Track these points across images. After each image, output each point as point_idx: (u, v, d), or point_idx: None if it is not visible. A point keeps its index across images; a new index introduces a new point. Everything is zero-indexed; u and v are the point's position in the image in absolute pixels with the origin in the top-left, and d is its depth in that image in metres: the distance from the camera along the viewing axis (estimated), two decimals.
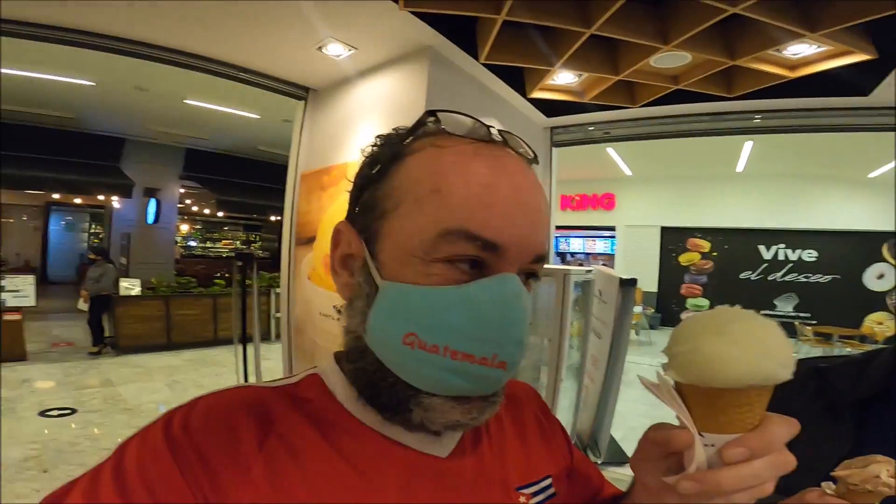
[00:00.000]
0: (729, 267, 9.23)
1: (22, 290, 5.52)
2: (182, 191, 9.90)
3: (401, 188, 0.44)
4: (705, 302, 9.36)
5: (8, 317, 5.28)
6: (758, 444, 0.36)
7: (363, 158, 0.49)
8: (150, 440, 0.39)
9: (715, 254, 9.42)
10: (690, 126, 3.83)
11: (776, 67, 2.70)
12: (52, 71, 5.13)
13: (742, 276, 9.13)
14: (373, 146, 0.49)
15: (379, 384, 0.44)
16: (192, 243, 13.69)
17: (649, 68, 2.87)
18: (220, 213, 12.68)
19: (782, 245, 8.90)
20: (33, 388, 4.52)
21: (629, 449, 3.60)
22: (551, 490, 0.56)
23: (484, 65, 2.83)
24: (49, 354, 5.73)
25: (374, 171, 0.47)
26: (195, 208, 12.90)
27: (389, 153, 0.46)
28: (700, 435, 0.37)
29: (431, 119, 0.46)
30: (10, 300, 5.38)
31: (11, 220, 11.40)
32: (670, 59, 2.73)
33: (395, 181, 0.45)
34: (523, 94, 3.41)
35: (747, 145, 6.80)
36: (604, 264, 10.14)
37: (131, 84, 5.53)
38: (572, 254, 11.44)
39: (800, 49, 2.52)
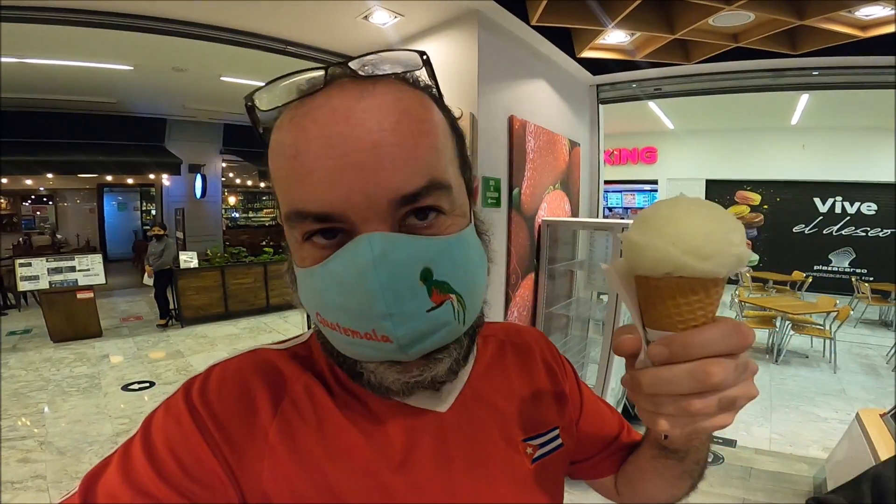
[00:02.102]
0: (781, 220, 8.81)
1: (92, 269, 5.78)
2: (224, 165, 10.13)
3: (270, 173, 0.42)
4: (755, 256, 9.02)
5: (81, 295, 5.61)
6: (678, 346, 0.32)
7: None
8: (172, 410, 0.41)
9: (766, 207, 8.98)
10: (749, 82, 3.68)
11: (847, 27, 2.62)
12: (91, 58, 5.22)
13: (795, 229, 8.71)
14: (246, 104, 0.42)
15: (336, 357, 0.44)
16: (235, 214, 14.13)
17: (708, 27, 2.76)
18: (262, 184, 12.96)
19: (839, 197, 8.39)
20: (112, 364, 4.84)
21: None
22: (558, 441, 0.55)
23: (533, 27, 2.74)
24: (121, 329, 6.11)
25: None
26: (238, 181, 13.24)
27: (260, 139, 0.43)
28: (644, 330, 0.35)
29: (249, 104, 0.41)
30: (82, 279, 5.66)
31: (66, 204, 12.03)
32: (731, 17, 2.62)
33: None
34: (571, 54, 3.30)
35: (803, 98, 6.38)
36: None
37: (168, 65, 5.59)
38: (610, 208, 11.17)
39: (872, 10, 2.45)
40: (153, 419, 0.41)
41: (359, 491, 0.41)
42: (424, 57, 0.42)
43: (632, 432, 0.65)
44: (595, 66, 3.70)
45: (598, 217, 4.51)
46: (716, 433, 2.39)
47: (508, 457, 0.50)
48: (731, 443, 3.12)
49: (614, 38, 3.07)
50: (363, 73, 0.39)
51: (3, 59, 4.90)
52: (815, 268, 8.41)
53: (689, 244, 0.31)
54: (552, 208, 3.36)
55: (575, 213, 3.88)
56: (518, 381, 0.56)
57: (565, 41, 3.17)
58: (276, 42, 3.03)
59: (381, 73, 0.39)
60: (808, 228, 8.63)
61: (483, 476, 0.47)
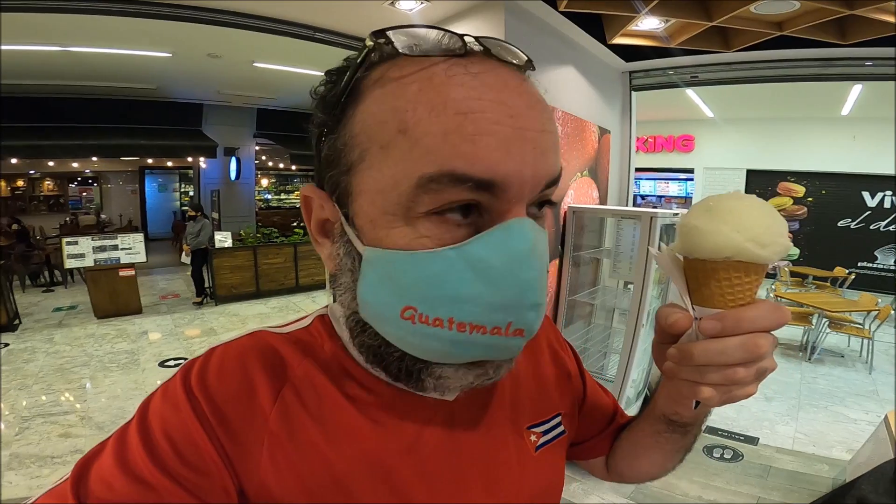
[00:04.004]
0: (826, 213, 8.38)
1: (133, 247, 6.00)
2: (257, 148, 10.38)
3: (363, 135, 0.37)
4: (795, 250, 8.65)
5: (123, 273, 5.87)
6: (730, 321, 0.36)
7: (314, 99, 0.41)
8: (170, 395, 0.39)
9: (810, 199, 8.57)
10: (794, 71, 3.51)
11: None
12: (131, 46, 5.40)
13: (841, 223, 8.29)
14: (323, 84, 0.41)
15: (386, 358, 0.41)
16: (268, 196, 14.50)
17: (749, 14, 2.63)
18: (293, 167, 13.25)
19: (889, 192, 7.92)
20: (151, 341, 5.06)
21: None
22: (561, 428, 0.56)
23: (561, 12, 2.69)
24: (159, 307, 6.39)
25: (330, 116, 0.39)
26: (270, 163, 13.57)
27: (342, 91, 0.38)
28: (693, 308, 0.39)
29: (381, 41, 0.37)
30: (124, 257, 5.91)
31: (110, 186, 12.59)
32: (774, 5, 2.50)
33: (354, 126, 0.37)
34: (602, 40, 3.21)
35: (856, 88, 6.03)
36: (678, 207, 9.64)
37: (204, 52, 5.73)
38: (643, 196, 10.91)
39: None
40: (150, 403, 0.39)
41: (364, 477, 0.40)
42: (527, 59, 0.40)
43: (623, 413, 0.67)
44: (628, 53, 3.60)
45: (627, 205, 4.43)
46: (738, 430, 2.37)
47: (515, 444, 0.50)
48: (752, 440, 3.06)
49: (648, 24, 2.97)
50: (500, 56, 0.38)
51: (47, 48, 5.14)
52: (860, 264, 7.98)
53: (751, 233, 0.35)
54: (579, 195, 3.33)
55: (603, 201, 3.82)
56: (524, 367, 0.55)
57: (596, 27, 3.10)
58: (305, 28, 3.08)
59: (517, 61, 0.39)
60: (854, 223, 8.20)
61: (492, 464, 0.47)
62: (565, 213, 3.08)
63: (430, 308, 0.35)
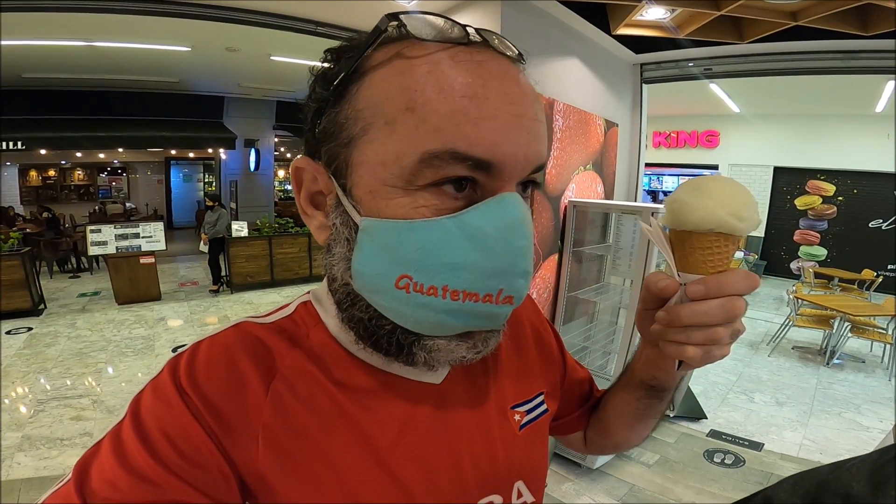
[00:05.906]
0: (856, 213, 8.02)
1: (154, 235, 6.16)
2: (276, 140, 10.55)
3: (367, 109, 0.38)
4: (822, 251, 8.31)
5: (143, 260, 6.05)
6: (713, 285, 0.40)
7: (313, 76, 0.43)
8: (161, 392, 0.39)
9: (840, 198, 8.21)
10: (813, 64, 3.35)
11: None
12: (151, 41, 5.53)
13: (872, 224, 7.92)
14: (324, 61, 0.43)
15: (377, 331, 0.41)
16: (288, 187, 14.73)
17: (760, 4, 2.52)
18: None
19: None
20: (167, 327, 5.20)
21: (708, 406, 3.52)
22: (543, 407, 0.57)
23: (561, 2, 2.64)
24: (178, 294, 6.56)
25: (329, 91, 0.40)
26: (289, 155, 13.77)
27: (347, 68, 0.39)
28: (678, 275, 0.43)
29: (393, 24, 0.39)
30: (145, 245, 6.08)
31: (137, 176, 13.03)
32: None
33: (358, 101, 0.39)
34: (607, 30, 3.13)
35: (890, 84, 5.73)
36: None
37: (222, 46, 5.83)
38: (665, 192, 10.68)
39: None
40: (140, 402, 0.39)
41: (358, 464, 0.41)
42: (518, 53, 0.43)
43: (597, 387, 0.70)
44: (639, 45, 3.50)
45: (636, 200, 4.33)
46: (744, 435, 2.33)
47: (499, 424, 0.51)
48: (757, 446, 2.97)
49: (653, 14, 2.88)
50: (498, 48, 0.40)
51: (73, 43, 5.31)
52: (890, 267, 7.62)
53: (732, 208, 0.39)
54: (581, 189, 3.26)
55: (609, 196, 3.74)
56: (506, 347, 0.55)
57: (602, 18, 3.02)
58: (307, 23, 3.11)
59: (511, 53, 0.41)
60: (885, 224, 7.82)
61: (479, 445, 0.48)
62: (565, 207, 3.02)
63: (426, 276, 0.37)
